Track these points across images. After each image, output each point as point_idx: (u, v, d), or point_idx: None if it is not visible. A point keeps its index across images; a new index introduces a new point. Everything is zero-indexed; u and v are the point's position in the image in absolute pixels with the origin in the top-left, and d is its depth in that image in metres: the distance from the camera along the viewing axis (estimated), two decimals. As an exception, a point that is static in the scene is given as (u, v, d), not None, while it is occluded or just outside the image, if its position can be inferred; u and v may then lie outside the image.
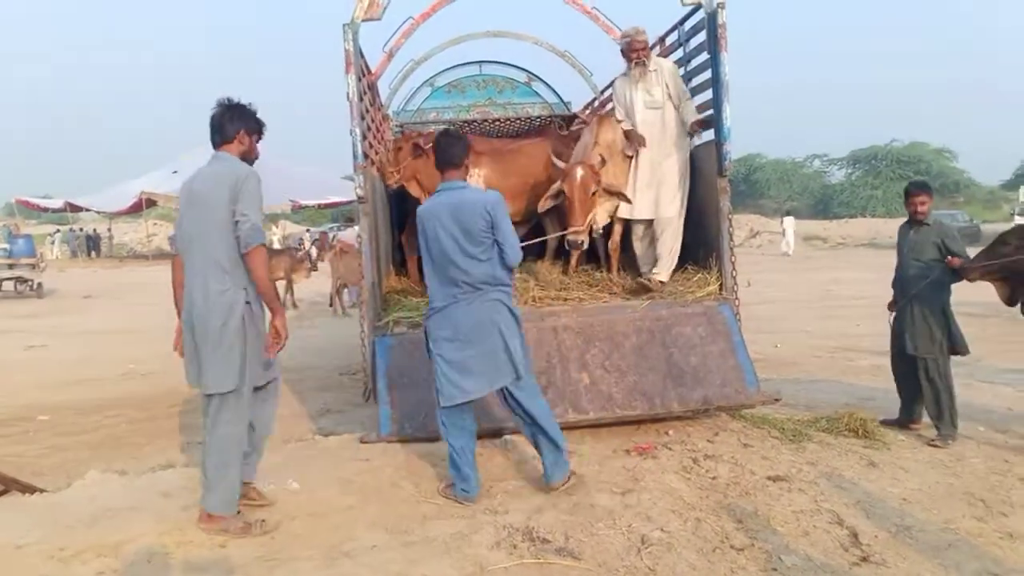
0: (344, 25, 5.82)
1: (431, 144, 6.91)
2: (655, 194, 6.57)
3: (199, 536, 3.99)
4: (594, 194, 6.16)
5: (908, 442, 5.76)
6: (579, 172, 6.10)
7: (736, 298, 6.16)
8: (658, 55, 7.23)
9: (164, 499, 4.42)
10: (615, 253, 6.83)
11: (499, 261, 4.50)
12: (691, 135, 6.64)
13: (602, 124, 6.67)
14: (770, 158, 62.52)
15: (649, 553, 3.84)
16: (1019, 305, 5.51)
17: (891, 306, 6.18)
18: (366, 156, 6.03)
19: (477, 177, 7.00)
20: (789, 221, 34.39)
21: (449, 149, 4.70)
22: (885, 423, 6.05)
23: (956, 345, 5.84)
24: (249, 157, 4.21)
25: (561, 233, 6.39)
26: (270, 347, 4.07)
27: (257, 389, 4.22)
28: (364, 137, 6.06)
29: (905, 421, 6.08)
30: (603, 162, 6.28)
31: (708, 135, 6.43)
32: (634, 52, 6.53)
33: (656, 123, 6.57)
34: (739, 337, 5.86)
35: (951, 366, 5.91)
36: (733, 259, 6.20)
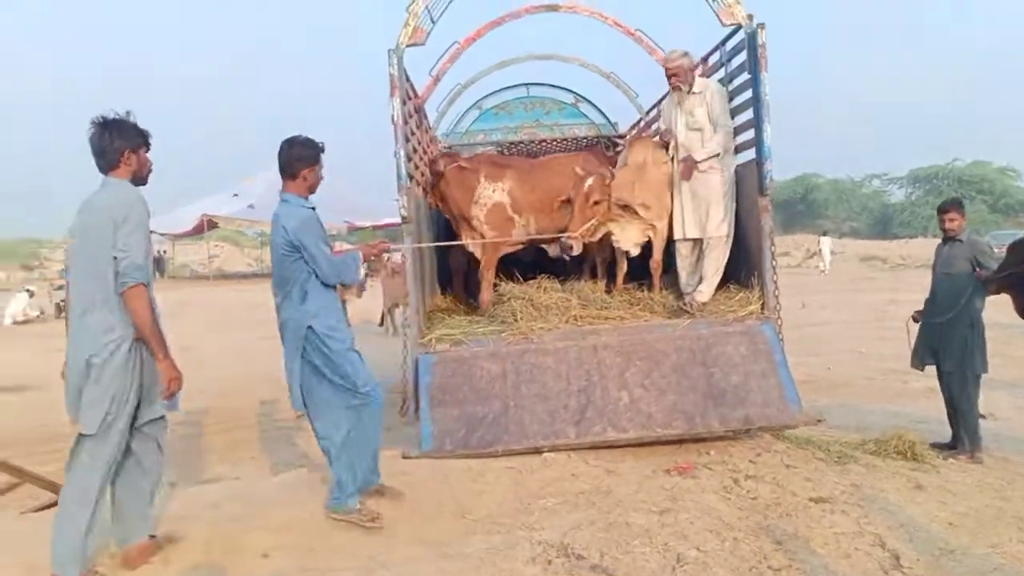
0: (389, 50, 5.97)
1: (450, 165, 7.10)
2: (703, 214, 6.52)
3: (245, 544, 4.11)
4: (596, 203, 6.28)
5: (958, 465, 5.65)
6: (588, 181, 6.29)
7: (778, 317, 6.12)
8: (701, 75, 7.24)
9: (212, 510, 4.55)
10: (656, 271, 6.83)
11: (296, 299, 4.37)
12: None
13: (633, 145, 6.85)
14: (828, 178, 61.56)
15: (684, 571, 3.85)
16: None
17: (916, 316, 6.32)
18: (411, 177, 6.16)
19: (500, 191, 7.13)
20: (826, 241, 34.33)
21: (280, 157, 4.48)
22: (935, 446, 5.95)
23: (975, 362, 5.94)
24: (142, 173, 3.90)
25: (554, 236, 6.64)
26: (163, 393, 3.80)
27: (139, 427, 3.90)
28: (409, 159, 6.19)
29: (956, 443, 5.99)
30: (612, 177, 6.42)
31: (750, 154, 6.43)
32: (670, 77, 6.56)
33: (696, 143, 6.54)
34: (781, 356, 5.82)
35: (978, 384, 6.01)
36: (775, 278, 6.17)
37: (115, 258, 3.61)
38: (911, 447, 5.70)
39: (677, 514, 4.50)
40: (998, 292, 5.64)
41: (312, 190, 4.56)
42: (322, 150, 4.55)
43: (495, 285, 7.02)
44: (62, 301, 22.44)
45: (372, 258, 5.14)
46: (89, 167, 3.84)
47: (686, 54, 6.60)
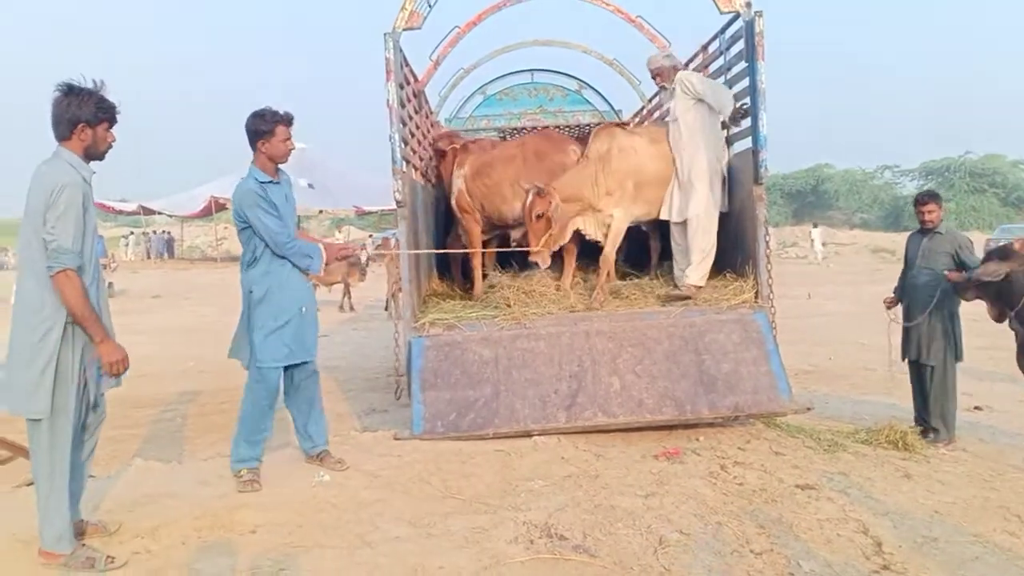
0: (385, 34, 5.98)
1: (448, 146, 7.17)
2: (684, 197, 6.59)
3: (232, 522, 4.16)
4: (540, 217, 6.28)
5: (950, 455, 5.66)
6: (528, 198, 6.35)
7: (772, 306, 6.14)
8: (701, 62, 7.30)
9: (201, 487, 4.61)
10: (605, 265, 6.72)
11: (245, 264, 4.75)
12: (735, 119, 6.61)
13: (597, 135, 6.78)
14: (839, 168, 61.24)
15: (666, 553, 3.87)
16: (1007, 321, 5.51)
17: (889, 303, 6.38)
18: (407, 161, 6.18)
19: (460, 177, 7.21)
20: (816, 232, 34.56)
21: (245, 131, 4.67)
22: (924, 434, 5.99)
23: (958, 352, 6.04)
24: (98, 149, 3.69)
25: (522, 251, 6.58)
26: (105, 371, 3.63)
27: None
28: (406, 143, 6.21)
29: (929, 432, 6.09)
30: (543, 192, 6.33)
31: (746, 143, 6.44)
32: (653, 77, 6.86)
33: (674, 135, 6.64)
34: (773, 345, 5.84)
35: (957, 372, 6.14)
36: (769, 267, 6.18)
37: (43, 240, 3.48)
38: (903, 437, 5.71)
39: (662, 498, 4.54)
40: (975, 298, 5.69)
41: (275, 160, 4.67)
42: (282, 121, 4.61)
43: (485, 275, 7.09)
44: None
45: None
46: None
47: (668, 55, 6.87)
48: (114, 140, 3.76)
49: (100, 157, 3.75)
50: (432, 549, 3.88)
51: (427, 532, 4.10)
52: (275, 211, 4.61)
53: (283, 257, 4.67)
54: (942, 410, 6.02)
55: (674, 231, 6.79)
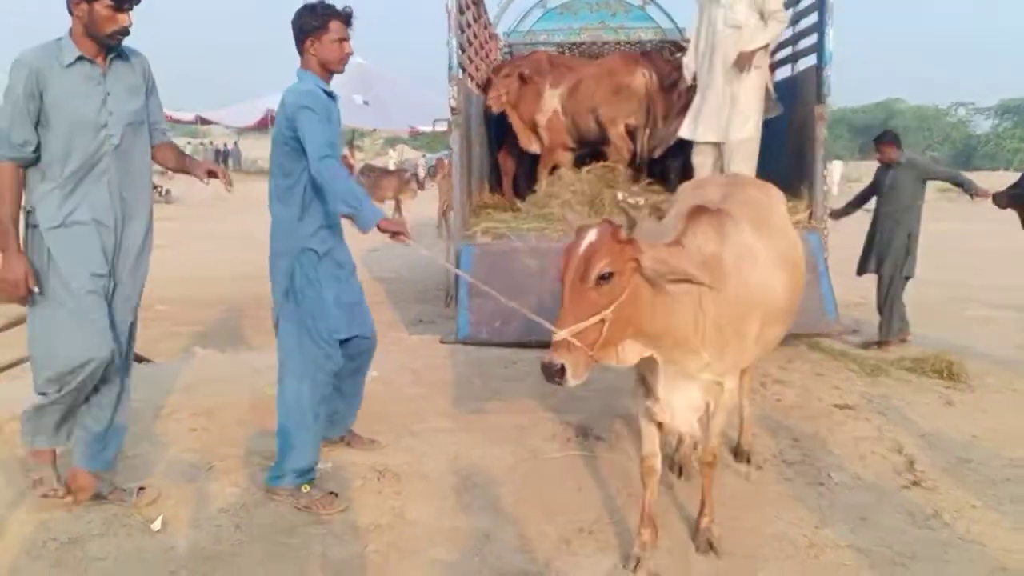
0: None
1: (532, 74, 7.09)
2: (726, 116, 6.13)
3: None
4: (602, 279, 2.69)
5: (996, 385, 5.60)
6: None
7: (825, 227, 6.07)
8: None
9: (256, 374, 4.80)
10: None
11: (299, 204, 3.51)
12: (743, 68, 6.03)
13: (693, 223, 3.50)
14: (911, 104, 59.01)
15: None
16: None
17: (834, 215, 6.70)
18: (463, 69, 6.17)
19: (556, 97, 7.15)
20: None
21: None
22: (867, 345, 6.40)
23: (910, 268, 6.58)
24: (99, 30, 3.11)
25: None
26: None
27: None
28: (463, 50, 6.18)
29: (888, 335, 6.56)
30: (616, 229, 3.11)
31: (811, 60, 6.27)
32: None
33: (732, 41, 6.08)
34: (824, 267, 5.81)
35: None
36: (825, 188, 6.09)
37: None
38: (948, 366, 5.65)
39: (699, 409, 4.61)
40: (1007, 207, 5.84)
41: (328, 67, 3.56)
42: (336, 16, 3.51)
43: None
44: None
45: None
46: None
47: None
48: (126, 24, 3.14)
49: (106, 41, 3.15)
50: (472, 442, 4.05)
51: (468, 427, 4.26)
52: (330, 125, 3.47)
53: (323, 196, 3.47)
54: (891, 317, 6.56)
55: (703, 152, 6.31)
